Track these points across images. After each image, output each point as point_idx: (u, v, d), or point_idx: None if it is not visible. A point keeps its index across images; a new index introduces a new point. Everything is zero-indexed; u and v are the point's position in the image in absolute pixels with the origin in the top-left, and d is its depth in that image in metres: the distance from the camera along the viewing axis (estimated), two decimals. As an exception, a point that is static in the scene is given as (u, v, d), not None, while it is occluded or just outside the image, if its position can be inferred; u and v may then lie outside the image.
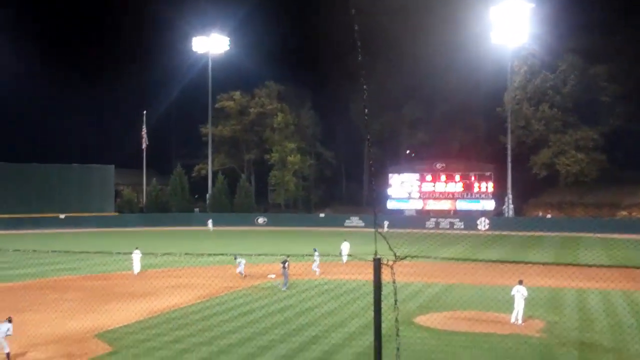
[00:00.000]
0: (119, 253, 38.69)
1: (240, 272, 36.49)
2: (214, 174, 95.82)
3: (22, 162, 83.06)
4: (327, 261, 41.00)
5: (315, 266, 38.40)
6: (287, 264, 32.48)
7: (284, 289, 32.59)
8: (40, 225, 77.20)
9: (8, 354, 18.68)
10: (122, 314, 25.76)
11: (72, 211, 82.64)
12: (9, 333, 19.31)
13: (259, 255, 38.01)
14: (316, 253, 38.21)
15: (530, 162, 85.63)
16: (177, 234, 72.75)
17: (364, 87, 8.35)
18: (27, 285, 34.63)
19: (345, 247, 43.67)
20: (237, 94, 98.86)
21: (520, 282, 24.46)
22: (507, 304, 24.92)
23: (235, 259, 36.53)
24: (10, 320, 19.63)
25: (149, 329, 23.80)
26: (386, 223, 72.90)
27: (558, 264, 43.52)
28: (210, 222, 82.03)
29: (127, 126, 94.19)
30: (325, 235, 65.02)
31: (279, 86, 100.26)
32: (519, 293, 24.33)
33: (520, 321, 24.26)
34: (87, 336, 22.58)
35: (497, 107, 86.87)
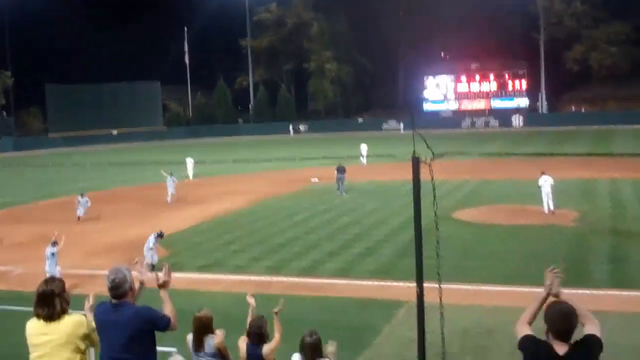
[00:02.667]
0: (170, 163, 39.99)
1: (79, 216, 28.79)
2: (255, 85, 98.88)
3: (74, 84, 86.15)
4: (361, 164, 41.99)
5: (170, 190, 33.11)
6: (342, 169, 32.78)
7: (345, 195, 32.04)
8: (95, 142, 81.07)
9: (153, 266, 17.78)
10: (176, 220, 26.53)
11: (124, 127, 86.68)
12: (151, 247, 19.33)
13: (302, 159, 40.44)
14: (172, 178, 33.35)
15: (564, 57, 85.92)
16: (223, 144, 75.51)
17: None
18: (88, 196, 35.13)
19: (364, 148, 44.51)
20: (273, 6, 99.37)
21: (544, 173, 25.01)
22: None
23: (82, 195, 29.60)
24: (161, 235, 19.72)
25: (202, 233, 24.73)
26: (401, 125, 76.32)
27: (591, 155, 44.90)
28: (291, 126, 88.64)
29: (170, 43, 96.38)
30: (364, 139, 67.64)
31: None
32: (546, 183, 24.69)
33: (552, 208, 24.49)
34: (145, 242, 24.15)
35: (529, 4, 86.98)
